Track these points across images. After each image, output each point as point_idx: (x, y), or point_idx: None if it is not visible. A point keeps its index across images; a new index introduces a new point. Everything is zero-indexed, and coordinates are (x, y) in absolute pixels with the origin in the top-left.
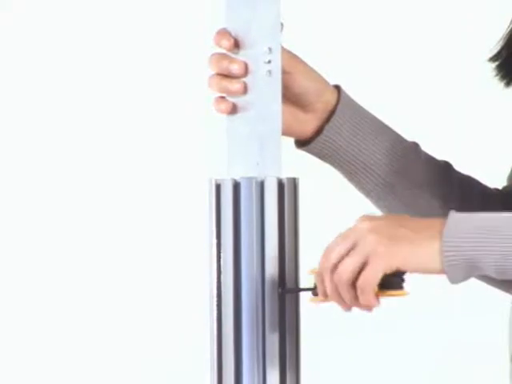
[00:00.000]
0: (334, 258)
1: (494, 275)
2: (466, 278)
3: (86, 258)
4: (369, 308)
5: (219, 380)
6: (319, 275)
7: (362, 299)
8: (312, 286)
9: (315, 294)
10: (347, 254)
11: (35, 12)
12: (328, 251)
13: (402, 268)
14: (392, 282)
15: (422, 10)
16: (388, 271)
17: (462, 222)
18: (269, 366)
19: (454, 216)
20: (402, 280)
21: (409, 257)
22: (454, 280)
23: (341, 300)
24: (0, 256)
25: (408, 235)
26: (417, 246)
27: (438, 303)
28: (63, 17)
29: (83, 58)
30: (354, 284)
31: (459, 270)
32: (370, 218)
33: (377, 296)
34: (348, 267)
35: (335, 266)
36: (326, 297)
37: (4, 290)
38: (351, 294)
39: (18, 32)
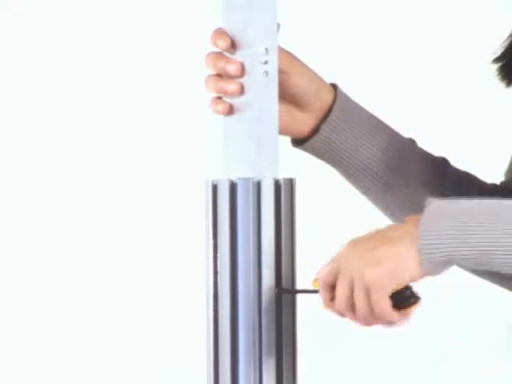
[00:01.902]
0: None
1: (472, 267)
2: (445, 269)
3: (83, 258)
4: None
5: (215, 380)
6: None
7: (382, 321)
8: (309, 288)
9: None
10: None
11: (34, 12)
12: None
13: (398, 286)
14: (400, 298)
15: (419, 8)
16: (393, 290)
17: (436, 217)
18: (265, 366)
19: (428, 211)
20: (411, 293)
21: (396, 274)
22: (434, 274)
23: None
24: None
25: (388, 254)
26: (400, 261)
27: (438, 302)
28: (63, 17)
29: (81, 58)
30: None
31: (438, 266)
32: (352, 244)
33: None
34: (360, 307)
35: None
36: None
37: (3, 289)
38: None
39: (17, 32)
